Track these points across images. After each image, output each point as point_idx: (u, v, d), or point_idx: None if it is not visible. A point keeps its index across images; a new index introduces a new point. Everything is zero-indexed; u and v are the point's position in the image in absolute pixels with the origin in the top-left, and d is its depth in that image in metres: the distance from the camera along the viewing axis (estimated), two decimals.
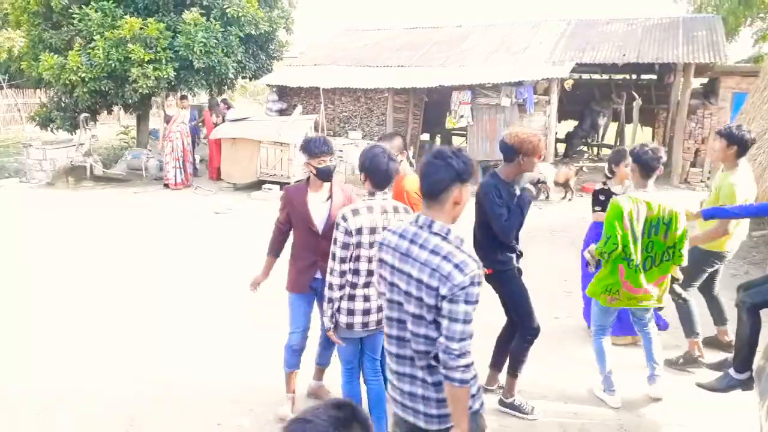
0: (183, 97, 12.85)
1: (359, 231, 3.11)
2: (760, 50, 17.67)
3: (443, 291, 2.12)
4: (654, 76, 15.19)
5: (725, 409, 3.78)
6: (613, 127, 16.52)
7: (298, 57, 16.12)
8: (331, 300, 3.22)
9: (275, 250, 3.89)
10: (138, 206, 10.57)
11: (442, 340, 2.15)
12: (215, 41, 12.61)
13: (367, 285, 3.22)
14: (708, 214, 4.06)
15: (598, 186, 4.94)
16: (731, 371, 3.51)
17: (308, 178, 3.71)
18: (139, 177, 13.03)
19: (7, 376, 4.40)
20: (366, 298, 3.23)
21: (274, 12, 14.36)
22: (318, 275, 3.66)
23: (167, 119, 12.40)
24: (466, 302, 2.12)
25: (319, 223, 3.61)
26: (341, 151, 12.57)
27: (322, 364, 4.08)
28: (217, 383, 4.31)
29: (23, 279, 6.53)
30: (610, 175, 4.82)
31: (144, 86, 12.09)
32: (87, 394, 4.15)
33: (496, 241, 3.69)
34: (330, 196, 3.66)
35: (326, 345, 3.94)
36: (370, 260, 3.17)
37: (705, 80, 14.02)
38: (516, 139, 3.55)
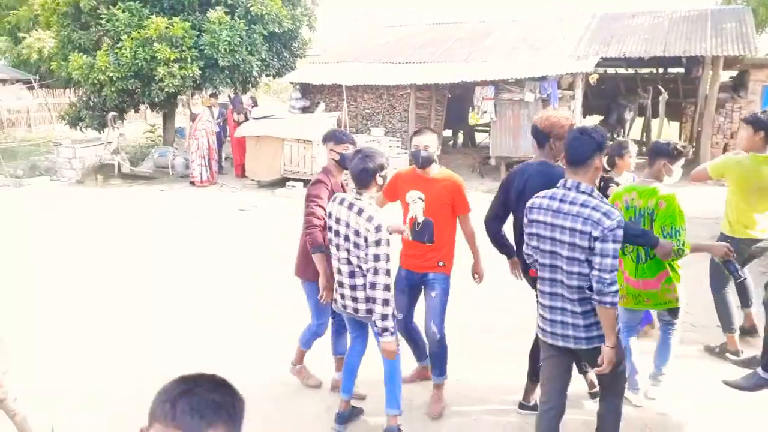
0: (213, 95, 13.02)
1: (329, 215, 3.43)
2: None
3: (595, 233, 2.66)
4: (681, 70, 14.93)
5: (753, 408, 3.73)
6: (640, 121, 16.29)
7: (321, 54, 16.21)
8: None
9: (325, 245, 3.64)
10: (164, 203, 10.75)
11: (595, 273, 2.68)
12: (239, 39, 12.75)
13: (351, 275, 3.35)
14: None
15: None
16: (759, 370, 3.45)
17: (325, 171, 3.92)
18: (165, 174, 13.25)
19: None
20: (340, 284, 3.43)
21: (297, 10, 14.47)
22: None
23: (193, 117, 12.58)
24: (614, 241, 2.67)
25: None
26: None
27: (339, 353, 4.14)
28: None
29: (47, 273, 6.67)
30: (609, 168, 4.70)
31: (170, 85, 12.28)
32: (89, 393, 4.17)
33: None
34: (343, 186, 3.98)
35: (338, 332, 4.11)
36: (337, 247, 3.38)
37: (734, 73, 13.74)
38: (546, 123, 3.48)
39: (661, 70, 16.08)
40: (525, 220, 2.96)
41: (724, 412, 3.80)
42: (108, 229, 8.77)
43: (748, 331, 4.71)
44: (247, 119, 12.87)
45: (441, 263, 3.77)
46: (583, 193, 2.76)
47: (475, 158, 13.94)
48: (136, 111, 15.76)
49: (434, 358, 3.92)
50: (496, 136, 12.70)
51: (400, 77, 13.18)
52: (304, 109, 14.32)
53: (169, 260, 7.28)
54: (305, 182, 11.54)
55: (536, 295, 3.10)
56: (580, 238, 2.70)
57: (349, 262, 3.33)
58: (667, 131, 13.98)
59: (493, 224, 3.73)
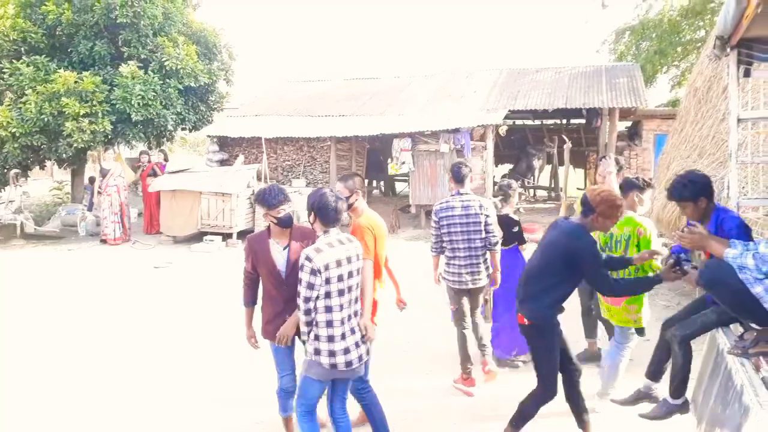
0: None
1: (326, 267, 3.21)
2: (676, 95, 18.96)
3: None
4: (583, 121, 16.05)
5: None
6: (548, 169, 17.23)
7: (239, 108, 16.19)
8: (307, 323, 3.28)
9: (250, 300, 3.79)
10: (73, 264, 10.15)
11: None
12: (153, 94, 12.52)
13: (348, 319, 3.30)
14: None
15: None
16: (668, 398, 3.63)
17: (269, 227, 3.68)
18: (74, 234, 12.57)
19: None
20: (343, 336, 3.28)
21: (213, 64, 14.43)
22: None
23: (104, 173, 12.12)
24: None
25: (281, 267, 3.61)
26: None
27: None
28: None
29: None
30: (500, 205, 5.33)
31: (79, 140, 11.80)
32: None
33: (551, 293, 3.62)
34: (288, 243, 3.63)
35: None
36: (341, 293, 3.26)
37: (629, 123, 14.89)
38: (596, 197, 3.47)
39: (564, 121, 17.20)
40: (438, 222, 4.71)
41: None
42: (9, 293, 8.15)
43: (592, 357, 5.25)
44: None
45: None
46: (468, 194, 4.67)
47: (394, 208, 14.12)
48: (42, 168, 14.96)
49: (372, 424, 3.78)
50: (414, 186, 13.02)
51: (320, 130, 13.35)
52: (222, 162, 14.15)
53: (78, 323, 6.83)
54: (224, 236, 11.29)
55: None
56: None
57: (357, 301, 3.41)
58: (573, 178, 14.83)
59: None
